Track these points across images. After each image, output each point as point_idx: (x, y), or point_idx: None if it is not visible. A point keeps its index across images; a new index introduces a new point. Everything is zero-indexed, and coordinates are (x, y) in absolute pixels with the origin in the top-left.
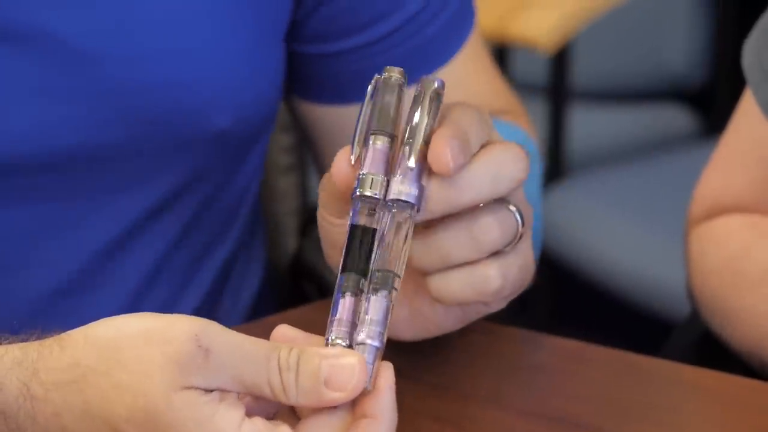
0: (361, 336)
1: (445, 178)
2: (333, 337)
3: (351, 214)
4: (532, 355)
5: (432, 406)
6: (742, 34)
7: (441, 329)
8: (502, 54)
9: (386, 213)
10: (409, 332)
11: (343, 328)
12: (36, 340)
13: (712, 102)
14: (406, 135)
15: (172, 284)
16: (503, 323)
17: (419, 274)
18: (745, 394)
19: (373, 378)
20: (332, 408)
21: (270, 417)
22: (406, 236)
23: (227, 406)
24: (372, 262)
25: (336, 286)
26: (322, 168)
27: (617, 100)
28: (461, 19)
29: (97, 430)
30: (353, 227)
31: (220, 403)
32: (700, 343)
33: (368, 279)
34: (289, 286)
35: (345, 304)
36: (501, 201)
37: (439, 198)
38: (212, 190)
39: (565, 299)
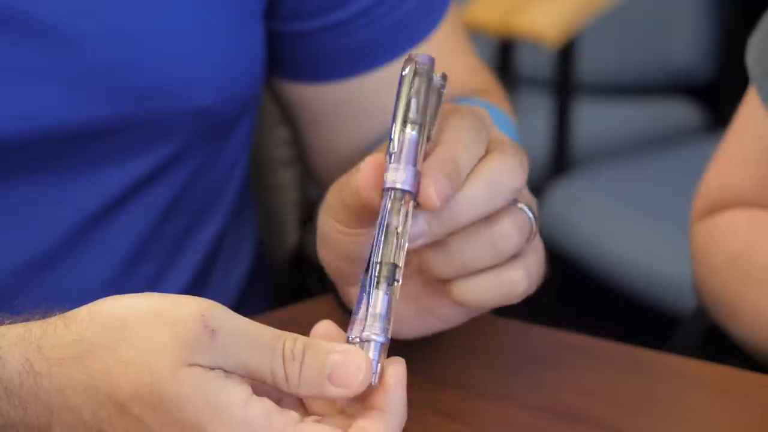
0: (365, 333)
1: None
2: (353, 336)
3: (381, 209)
4: (537, 350)
5: (436, 401)
6: (749, 29)
7: (446, 325)
8: (507, 48)
9: (385, 203)
10: (413, 330)
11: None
12: (39, 319)
13: (718, 96)
14: (395, 118)
15: (158, 261)
16: (508, 317)
17: (427, 275)
18: (752, 389)
19: (378, 374)
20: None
21: (276, 402)
22: (405, 225)
23: (234, 383)
24: (371, 253)
25: (361, 285)
26: (307, 154)
27: (623, 95)
28: None
29: (101, 406)
30: (381, 225)
31: (226, 378)
32: (707, 337)
33: (369, 272)
34: (290, 279)
35: (376, 300)
36: (511, 201)
37: (440, 221)
38: (196, 166)
39: (571, 293)
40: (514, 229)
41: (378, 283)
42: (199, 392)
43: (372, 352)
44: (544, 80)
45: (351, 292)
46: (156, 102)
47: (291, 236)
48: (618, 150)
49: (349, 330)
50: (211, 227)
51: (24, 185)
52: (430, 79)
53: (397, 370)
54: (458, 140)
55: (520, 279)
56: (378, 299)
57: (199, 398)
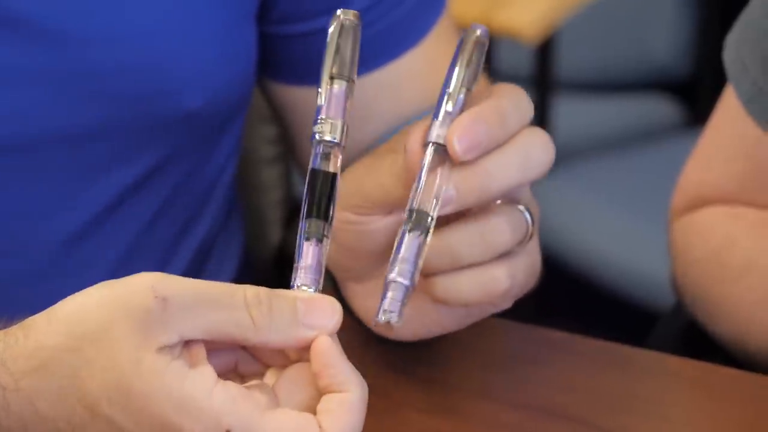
0: (391, 274)
1: (471, 167)
2: (299, 284)
3: (312, 159)
4: (518, 347)
5: (419, 398)
6: (727, 25)
7: (444, 329)
8: None
9: (424, 155)
10: (409, 332)
11: (310, 275)
12: (1, 329)
13: (696, 93)
14: (448, 81)
15: (147, 267)
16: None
17: (423, 276)
18: (730, 384)
19: (400, 315)
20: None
21: (231, 368)
22: (441, 178)
23: (197, 372)
24: (410, 200)
25: (299, 232)
26: (297, 153)
27: (602, 91)
28: (430, 1)
29: (72, 412)
30: (314, 171)
31: (189, 369)
32: (685, 333)
33: (405, 217)
34: (273, 277)
35: (310, 251)
36: (510, 201)
37: (470, 187)
38: (186, 170)
39: (551, 290)
40: (508, 226)
41: (411, 229)
42: (161, 387)
43: (396, 293)
44: (524, 77)
45: (351, 288)
46: (144, 105)
47: (275, 234)
48: (597, 146)
49: (292, 279)
50: (201, 231)
51: (10, 196)
52: (483, 52)
53: (323, 344)
54: (508, 97)
55: (502, 277)
56: (408, 244)
57: (162, 394)
